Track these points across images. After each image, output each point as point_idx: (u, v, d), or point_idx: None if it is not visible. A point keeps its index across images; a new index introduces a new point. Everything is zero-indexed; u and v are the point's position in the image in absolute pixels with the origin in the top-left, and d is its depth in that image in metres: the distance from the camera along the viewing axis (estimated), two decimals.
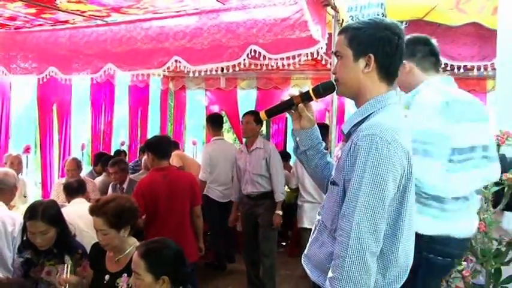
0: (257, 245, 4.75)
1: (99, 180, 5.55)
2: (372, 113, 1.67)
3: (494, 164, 2.19)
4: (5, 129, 5.72)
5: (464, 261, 2.02)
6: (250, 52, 3.41)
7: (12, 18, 4.27)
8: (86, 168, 6.50)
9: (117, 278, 2.57)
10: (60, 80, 4.85)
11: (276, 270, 4.78)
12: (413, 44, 2.34)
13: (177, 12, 3.86)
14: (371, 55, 1.66)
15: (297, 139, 1.96)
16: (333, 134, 3.66)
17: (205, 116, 7.68)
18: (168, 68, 3.86)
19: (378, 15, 3.25)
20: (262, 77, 7.91)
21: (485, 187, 2.09)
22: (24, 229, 2.90)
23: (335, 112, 3.66)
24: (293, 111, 1.90)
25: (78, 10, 3.94)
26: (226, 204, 5.33)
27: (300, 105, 1.86)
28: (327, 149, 2.06)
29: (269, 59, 3.40)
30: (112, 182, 5.18)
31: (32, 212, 2.80)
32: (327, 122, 7.26)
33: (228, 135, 10.40)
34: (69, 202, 3.87)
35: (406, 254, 1.68)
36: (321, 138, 1.98)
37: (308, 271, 1.83)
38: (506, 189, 2.21)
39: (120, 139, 7.91)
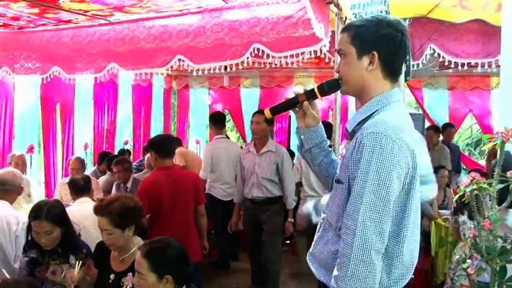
0: (260, 249, 4.62)
1: (103, 179, 5.56)
2: (376, 111, 1.67)
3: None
4: (8, 129, 5.75)
5: (469, 259, 2.01)
6: (254, 50, 3.41)
7: (15, 18, 4.27)
8: (89, 168, 6.51)
9: (122, 277, 2.57)
10: (64, 80, 4.86)
11: (280, 274, 4.71)
12: None
13: (180, 11, 3.86)
14: (374, 53, 1.65)
15: (302, 137, 1.95)
16: (337, 132, 3.66)
17: (208, 115, 7.68)
18: (172, 66, 3.86)
19: (381, 12, 3.24)
20: (265, 75, 7.92)
21: (490, 185, 2.08)
22: (29, 229, 2.91)
23: (338, 110, 3.66)
24: (298, 109, 1.89)
25: (81, 10, 3.95)
26: (230, 202, 5.32)
27: (304, 103, 1.86)
28: (331, 147, 2.05)
29: (272, 57, 3.40)
30: (116, 181, 5.19)
31: (37, 212, 2.80)
32: (330, 120, 7.26)
33: (232, 133, 10.39)
34: (74, 200, 3.88)
35: (411, 253, 1.68)
36: (325, 136, 1.97)
37: (313, 269, 1.83)
38: (511, 186, 2.20)
39: (123, 138, 7.92)
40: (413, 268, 1.71)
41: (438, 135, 6.70)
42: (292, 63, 3.46)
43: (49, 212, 2.78)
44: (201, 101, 8.96)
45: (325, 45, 3.24)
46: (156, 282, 2.24)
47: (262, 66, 5.75)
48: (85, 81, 6.62)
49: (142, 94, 8.07)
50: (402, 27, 1.68)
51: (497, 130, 2.03)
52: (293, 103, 1.88)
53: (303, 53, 3.30)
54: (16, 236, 3.24)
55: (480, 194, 1.95)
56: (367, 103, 1.70)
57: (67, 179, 5.47)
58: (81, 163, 5.45)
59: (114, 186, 5.19)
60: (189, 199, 3.88)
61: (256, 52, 3.41)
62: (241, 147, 5.82)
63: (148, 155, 5.51)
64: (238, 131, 8.98)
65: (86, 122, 7.07)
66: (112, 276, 2.67)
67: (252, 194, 4.57)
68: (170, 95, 8.93)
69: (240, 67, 3.63)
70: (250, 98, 8.34)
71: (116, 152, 6.93)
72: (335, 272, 1.58)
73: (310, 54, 3.31)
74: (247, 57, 3.47)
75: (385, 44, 1.65)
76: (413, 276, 1.75)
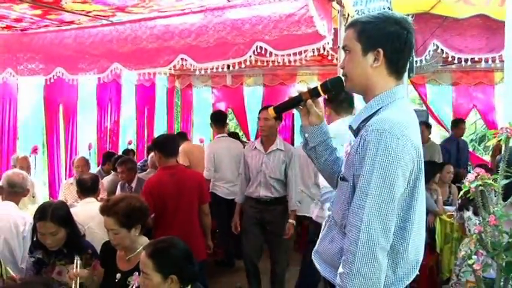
0: (261, 250, 4.52)
1: (107, 179, 5.58)
2: (380, 108, 1.66)
3: None
4: (12, 130, 5.77)
5: (475, 255, 2.00)
6: (256, 49, 3.39)
7: (18, 20, 4.29)
8: (93, 168, 6.52)
9: (128, 277, 2.58)
10: (68, 81, 4.88)
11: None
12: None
13: (182, 10, 3.86)
14: (380, 50, 1.65)
15: (306, 135, 1.95)
16: None
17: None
18: (174, 66, 3.86)
19: (384, 8, 3.23)
20: (268, 74, 7.91)
21: (495, 180, 2.08)
22: (34, 230, 2.92)
23: None
24: (301, 107, 1.89)
25: (83, 10, 3.95)
26: (233, 201, 5.31)
27: (308, 101, 1.85)
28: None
29: (275, 55, 3.38)
30: (120, 181, 5.20)
31: (42, 213, 2.82)
32: None
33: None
34: (80, 199, 3.89)
35: (416, 250, 1.67)
36: (329, 134, 1.97)
37: (318, 266, 1.83)
38: None
39: (127, 138, 7.93)
40: (419, 265, 1.71)
41: (429, 131, 6.67)
42: (295, 61, 3.46)
43: (54, 213, 2.79)
44: (204, 100, 8.97)
45: (328, 43, 3.23)
46: (161, 282, 2.24)
47: (265, 64, 5.74)
48: (88, 82, 6.64)
49: (145, 94, 8.09)
50: (408, 25, 1.67)
51: (502, 125, 2.02)
52: (297, 101, 1.88)
53: (305, 51, 3.28)
54: (23, 237, 3.27)
55: (485, 190, 1.95)
56: (372, 100, 1.70)
57: (71, 180, 5.53)
58: (85, 161, 5.52)
59: (118, 186, 5.20)
60: (193, 198, 3.89)
61: (259, 50, 3.40)
62: (244, 146, 5.79)
63: (152, 154, 5.53)
64: (242, 129, 8.98)
65: (89, 123, 7.10)
66: (118, 275, 2.68)
67: (258, 194, 4.40)
68: (173, 94, 8.95)
69: (243, 66, 3.62)
70: (253, 97, 8.34)
71: (120, 152, 6.95)
72: (340, 270, 1.58)
73: (313, 52, 3.30)
74: (250, 56, 3.46)
75: (390, 41, 1.64)
76: (418, 273, 1.75)
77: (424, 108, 7.57)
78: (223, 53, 3.54)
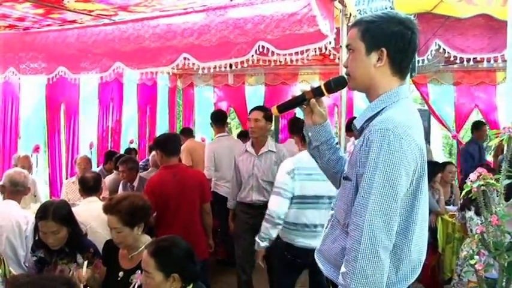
0: (254, 261, 4.16)
1: (110, 178, 5.59)
2: (384, 108, 1.66)
3: None
4: (14, 129, 5.78)
5: (477, 255, 2.00)
6: (259, 48, 3.40)
7: (20, 19, 4.29)
8: (94, 167, 6.53)
9: (131, 275, 2.59)
10: (70, 80, 4.88)
11: None
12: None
13: (185, 9, 3.87)
14: (383, 49, 1.65)
15: (309, 134, 1.95)
16: (342, 129, 3.66)
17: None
18: (177, 65, 3.87)
19: (386, 8, 3.23)
20: (270, 73, 7.91)
21: (497, 180, 2.08)
22: (36, 229, 2.93)
23: (344, 107, 3.65)
24: (305, 106, 1.89)
25: (85, 9, 3.96)
26: None
27: (311, 100, 1.86)
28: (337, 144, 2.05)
29: (277, 54, 3.39)
30: (122, 180, 5.21)
31: (43, 212, 2.82)
32: (335, 116, 7.25)
33: (237, 131, 10.40)
34: (83, 198, 3.90)
35: (418, 250, 1.67)
36: (333, 133, 1.97)
37: (321, 266, 1.83)
38: None
39: (129, 137, 7.94)
40: (421, 265, 1.71)
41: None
42: (297, 60, 3.46)
43: (55, 212, 2.80)
44: (206, 99, 8.97)
45: (330, 42, 3.23)
46: (163, 280, 2.25)
47: (267, 63, 5.74)
48: (90, 81, 6.64)
49: (147, 93, 8.10)
50: (413, 25, 1.67)
51: (504, 125, 2.02)
52: (300, 101, 1.89)
53: (308, 50, 3.28)
54: (26, 236, 3.28)
55: (487, 190, 1.94)
56: (375, 100, 1.70)
57: (73, 179, 5.55)
58: (88, 160, 5.58)
59: (120, 185, 5.21)
60: (194, 197, 3.89)
61: (261, 50, 3.40)
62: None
63: (153, 153, 5.53)
64: (244, 128, 8.98)
65: (90, 122, 7.10)
66: (121, 273, 2.69)
67: (250, 198, 4.21)
68: (175, 93, 8.95)
69: (245, 65, 3.62)
70: (255, 96, 8.34)
71: (122, 151, 6.95)
72: (343, 269, 1.58)
73: (315, 51, 3.30)
74: (252, 55, 3.46)
75: (394, 41, 1.64)
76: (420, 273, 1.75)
77: (426, 108, 7.56)
78: (225, 52, 3.54)
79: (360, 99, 7.44)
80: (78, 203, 4.08)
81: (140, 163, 6.30)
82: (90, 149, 7.07)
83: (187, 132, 6.96)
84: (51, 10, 3.98)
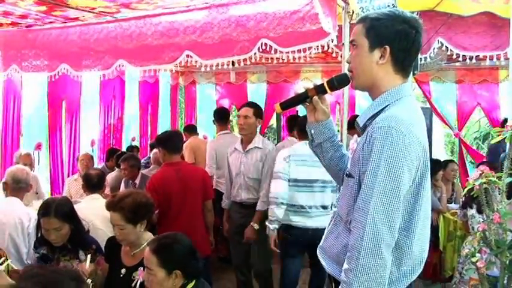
0: (249, 261, 4.24)
1: (112, 175, 5.60)
2: (387, 106, 1.67)
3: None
4: (16, 126, 5.79)
5: (478, 252, 2.01)
6: (261, 46, 3.40)
7: (23, 17, 4.30)
8: (96, 165, 6.54)
9: (133, 272, 2.60)
10: (73, 77, 4.89)
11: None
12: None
13: (187, 7, 3.87)
14: (387, 47, 1.65)
15: (312, 132, 1.96)
16: (344, 126, 3.66)
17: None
18: (179, 63, 3.87)
19: (389, 6, 3.23)
20: (272, 71, 7.89)
21: (499, 178, 2.08)
22: (38, 226, 2.94)
23: (346, 105, 3.65)
24: (307, 103, 1.90)
25: (87, 7, 3.96)
26: None
27: (314, 97, 1.86)
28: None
29: (280, 52, 3.38)
30: (124, 177, 5.23)
31: (46, 209, 2.84)
32: (337, 114, 7.24)
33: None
34: (86, 195, 3.91)
35: (420, 247, 1.68)
36: (335, 131, 1.98)
37: (323, 263, 1.84)
38: None
39: (130, 135, 7.95)
40: (423, 262, 1.71)
41: None
42: (299, 58, 3.46)
43: (58, 209, 2.82)
44: (207, 97, 8.96)
45: (332, 40, 3.23)
46: (165, 277, 2.26)
47: (269, 61, 5.73)
48: (91, 79, 6.65)
49: (149, 90, 8.09)
50: (418, 25, 1.68)
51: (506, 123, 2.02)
52: (303, 98, 1.89)
53: (310, 48, 3.28)
54: (28, 233, 3.29)
55: (489, 188, 1.95)
56: (378, 97, 1.70)
57: (76, 176, 5.57)
58: (90, 157, 5.66)
59: (122, 183, 5.22)
60: (197, 195, 3.90)
61: (263, 47, 3.41)
62: None
63: (155, 151, 5.54)
64: None
65: (92, 119, 7.10)
66: (123, 270, 2.70)
67: (240, 197, 4.12)
68: (177, 91, 8.94)
69: (248, 63, 3.62)
70: (257, 93, 8.32)
71: (123, 149, 6.96)
72: (345, 266, 1.59)
73: (318, 49, 3.30)
74: (255, 53, 3.46)
75: (398, 39, 1.65)
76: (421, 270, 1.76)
77: (428, 106, 7.54)
78: (228, 50, 3.54)
79: (361, 97, 7.43)
80: (80, 200, 4.09)
81: (142, 160, 6.31)
82: (92, 146, 7.08)
83: (191, 129, 6.95)
84: (54, 7, 3.98)
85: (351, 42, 1.78)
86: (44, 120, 6.30)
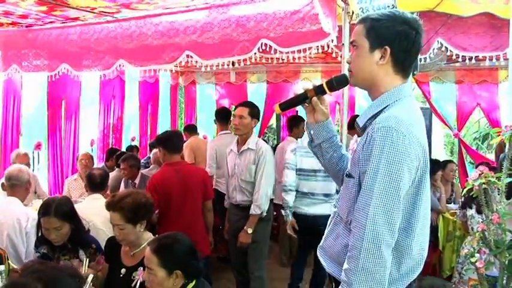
0: (245, 263, 4.16)
1: (111, 175, 5.58)
2: (387, 106, 1.67)
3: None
4: (16, 126, 5.78)
5: (477, 253, 2.01)
6: (261, 46, 3.40)
7: (24, 16, 4.30)
8: (95, 165, 6.54)
9: (133, 272, 2.60)
10: (73, 77, 4.89)
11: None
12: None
13: (187, 7, 3.87)
14: (387, 48, 1.66)
15: (311, 132, 1.97)
16: (344, 126, 3.67)
17: (215, 111, 7.68)
18: (179, 63, 3.87)
19: (388, 6, 3.23)
20: (272, 71, 7.90)
21: (499, 178, 2.09)
22: (39, 225, 2.95)
23: (346, 105, 3.66)
24: (307, 104, 1.90)
25: (88, 7, 3.96)
26: None
27: (313, 98, 1.87)
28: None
29: (280, 52, 3.38)
30: (124, 177, 5.23)
31: (46, 209, 2.85)
32: (337, 114, 7.25)
33: None
34: (88, 194, 3.91)
35: (420, 247, 1.68)
36: (335, 131, 1.98)
37: (324, 263, 1.84)
38: None
39: (130, 135, 7.94)
40: (423, 262, 1.72)
41: None
42: (299, 58, 3.46)
43: (58, 209, 2.82)
44: (207, 97, 8.96)
45: (332, 40, 3.23)
46: (166, 277, 2.26)
47: (269, 61, 5.74)
48: (91, 78, 6.65)
49: (149, 90, 8.09)
50: (418, 26, 1.69)
51: (506, 124, 2.03)
52: (302, 98, 1.90)
53: (310, 48, 3.29)
54: (26, 233, 3.29)
55: (488, 188, 1.95)
56: (378, 98, 1.71)
57: (75, 176, 5.57)
58: (90, 156, 5.66)
59: (122, 183, 5.22)
60: (197, 195, 3.91)
61: (263, 47, 3.41)
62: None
63: (155, 151, 5.54)
64: None
65: (91, 119, 7.10)
66: (123, 270, 2.71)
67: (235, 199, 4.08)
68: (177, 91, 8.94)
69: (248, 63, 3.62)
70: (257, 94, 8.33)
71: (123, 149, 6.96)
72: (345, 266, 1.59)
73: (318, 49, 3.30)
74: (255, 53, 3.47)
75: (398, 40, 1.65)
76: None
77: (428, 106, 7.55)
78: (228, 50, 3.54)
79: (361, 97, 7.44)
80: (80, 200, 4.09)
81: (142, 160, 6.31)
82: (91, 146, 7.08)
83: (191, 129, 6.95)
84: (54, 7, 3.98)
85: (351, 42, 1.78)
86: (43, 120, 6.30)
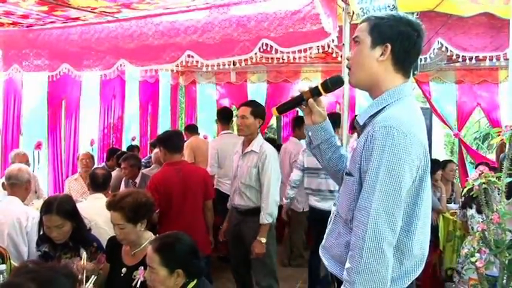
0: (247, 268, 4.06)
1: (112, 175, 5.60)
2: (387, 105, 1.68)
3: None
4: (16, 126, 5.79)
5: (477, 252, 2.01)
6: (262, 46, 3.40)
7: (24, 16, 4.30)
8: (96, 164, 6.54)
9: (134, 271, 2.61)
10: (74, 77, 4.89)
11: None
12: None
13: (188, 7, 3.87)
14: (388, 45, 1.68)
15: (310, 134, 1.97)
16: (345, 126, 3.67)
17: (216, 110, 7.68)
18: (180, 62, 3.87)
19: (389, 6, 3.23)
20: (272, 71, 7.91)
21: (499, 178, 2.09)
22: (40, 223, 2.96)
23: (346, 104, 3.66)
24: (304, 106, 1.91)
25: (89, 6, 3.96)
26: None
27: (309, 100, 1.87)
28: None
29: (280, 52, 3.39)
30: (124, 177, 5.23)
31: (48, 207, 2.86)
32: None
33: None
34: (90, 193, 3.92)
35: (421, 245, 1.69)
36: (333, 132, 1.99)
37: (325, 262, 1.85)
38: None
39: (130, 134, 7.95)
40: (425, 261, 1.72)
41: None
42: (299, 58, 3.46)
43: (59, 207, 2.84)
44: (208, 97, 8.97)
45: (333, 40, 3.23)
46: (167, 276, 2.27)
47: (270, 61, 5.74)
48: (91, 78, 6.65)
49: (149, 90, 8.09)
50: (420, 29, 1.71)
51: (506, 124, 2.03)
52: (299, 101, 1.91)
53: (311, 48, 3.29)
54: (27, 232, 3.29)
55: (489, 188, 1.96)
56: (379, 97, 1.72)
57: (76, 176, 5.58)
58: (91, 156, 5.69)
59: (122, 182, 5.23)
60: (198, 194, 3.91)
61: (264, 47, 3.41)
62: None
63: (155, 150, 5.55)
64: None
65: (92, 119, 7.11)
66: (124, 270, 2.72)
67: (234, 201, 3.94)
68: (177, 91, 8.95)
69: (249, 62, 3.63)
70: (257, 93, 8.34)
71: (124, 148, 6.97)
72: (347, 265, 1.60)
73: (318, 49, 3.31)
74: (256, 53, 3.47)
75: (400, 39, 1.67)
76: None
77: (428, 106, 7.55)
78: (229, 50, 3.54)
79: (361, 97, 7.44)
80: (81, 200, 4.10)
81: (142, 160, 6.31)
82: (91, 146, 7.08)
83: (192, 129, 6.96)
84: (55, 7, 3.98)
85: (353, 38, 1.80)
86: (44, 120, 6.30)
